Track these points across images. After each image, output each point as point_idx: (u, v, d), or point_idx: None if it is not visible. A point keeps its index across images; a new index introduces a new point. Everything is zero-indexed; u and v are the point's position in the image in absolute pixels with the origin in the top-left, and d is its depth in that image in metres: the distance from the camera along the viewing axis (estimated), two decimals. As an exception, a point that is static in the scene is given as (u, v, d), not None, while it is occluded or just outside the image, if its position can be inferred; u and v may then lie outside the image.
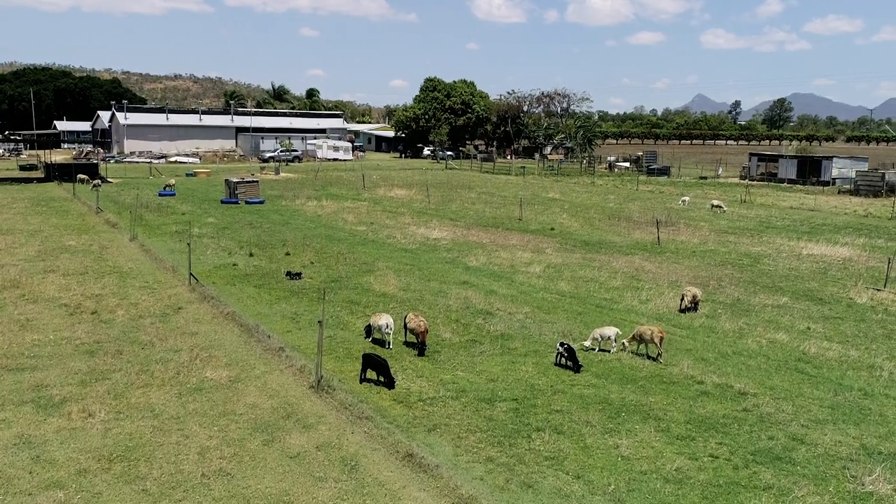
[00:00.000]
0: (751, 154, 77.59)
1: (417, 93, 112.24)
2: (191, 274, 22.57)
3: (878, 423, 13.25)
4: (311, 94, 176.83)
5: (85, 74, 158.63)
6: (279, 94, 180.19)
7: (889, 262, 25.25)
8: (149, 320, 18.58)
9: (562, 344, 15.72)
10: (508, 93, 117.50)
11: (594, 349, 16.81)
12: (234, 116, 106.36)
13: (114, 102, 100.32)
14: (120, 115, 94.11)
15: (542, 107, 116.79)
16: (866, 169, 65.11)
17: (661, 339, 16.34)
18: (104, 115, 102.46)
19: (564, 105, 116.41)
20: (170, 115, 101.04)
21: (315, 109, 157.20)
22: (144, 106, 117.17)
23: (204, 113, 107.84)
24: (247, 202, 44.33)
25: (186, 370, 14.91)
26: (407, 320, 16.89)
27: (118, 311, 19.27)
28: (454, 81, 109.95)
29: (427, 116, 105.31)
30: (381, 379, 14.26)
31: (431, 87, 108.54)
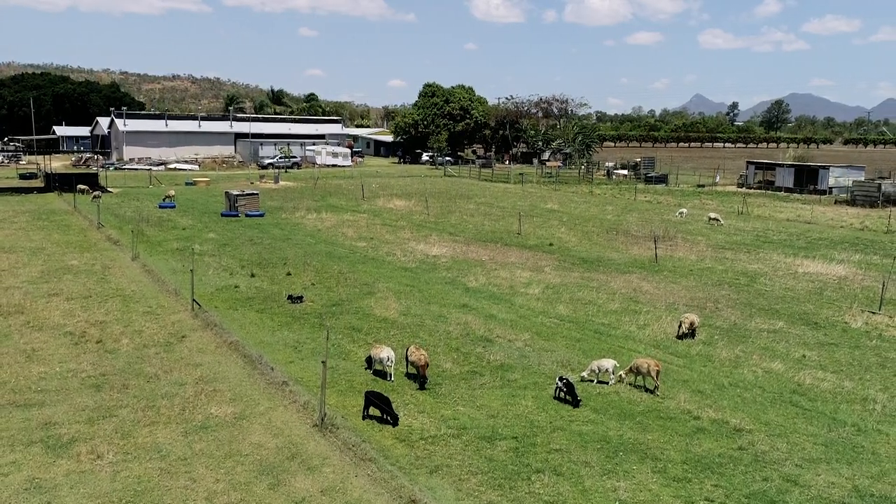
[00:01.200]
0: (748, 162, 77.87)
1: (416, 98, 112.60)
2: (194, 300, 22.80)
3: (871, 461, 13.53)
4: (310, 98, 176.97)
5: (84, 79, 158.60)
6: (277, 98, 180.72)
7: (884, 284, 25.55)
8: (153, 350, 18.83)
9: (561, 378, 15.99)
10: (507, 98, 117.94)
11: (592, 381, 17.09)
12: (233, 122, 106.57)
13: (113, 109, 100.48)
14: (119, 122, 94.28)
15: (539, 111, 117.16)
16: (863, 178, 65.43)
17: (658, 371, 16.61)
18: (103, 122, 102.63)
19: (563, 108, 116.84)
20: (169, 122, 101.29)
21: (314, 112, 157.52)
22: (143, 112, 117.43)
23: (203, 119, 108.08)
24: (247, 215, 44.55)
25: (192, 406, 15.15)
26: (409, 353, 17.15)
27: (123, 340, 19.51)
28: (452, 87, 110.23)
29: (426, 122, 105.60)
30: (385, 417, 14.50)
31: (430, 92, 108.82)
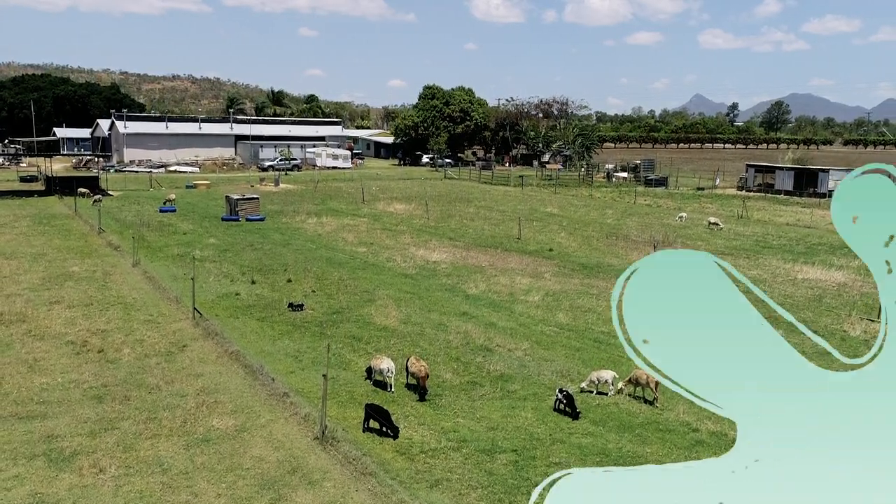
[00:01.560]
0: (748, 165, 78.06)
1: (416, 98, 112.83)
2: (195, 308, 22.89)
3: (868, 475, 13.60)
4: (310, 98, 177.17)
5: (84, 79, 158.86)
6: (277, 98, 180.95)
7: (882, 292, 25.61)
8: (154, 360, 18.91)
9: (561, 390, 16.08)
10: (507, 99, 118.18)
11: (591, 392, 17.17)
12: (234, 124, 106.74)
13: (113, 111, 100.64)
14: (119, 124, 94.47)
15: (539, 112, 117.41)
16: (862, 181, 65.55)
17: (657, 382, 16.70)
18: (104, 124, 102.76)
19: (563, 109, 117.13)
20: (169, 124, 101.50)
21: (314, 113, 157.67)
22: (143, 114, 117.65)
23: (203, 121, 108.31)
24: (247, 219, 44.64)
25: (193, 418, 15.23)
26: (409, 364, 17.23)
27: (124, 350, 19.59)
28: (452, 89, 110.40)
29: (426, 124, 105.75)
30: (385, 430, 14.59)
31: (430, 94, 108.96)
